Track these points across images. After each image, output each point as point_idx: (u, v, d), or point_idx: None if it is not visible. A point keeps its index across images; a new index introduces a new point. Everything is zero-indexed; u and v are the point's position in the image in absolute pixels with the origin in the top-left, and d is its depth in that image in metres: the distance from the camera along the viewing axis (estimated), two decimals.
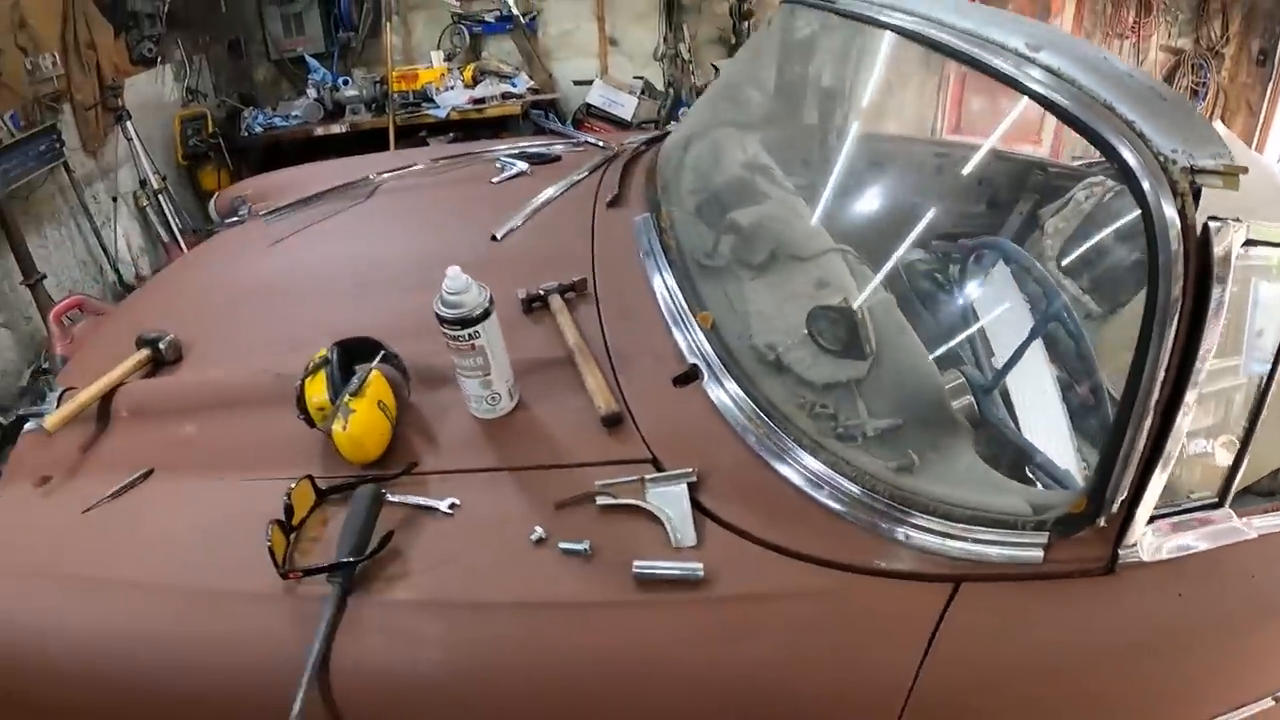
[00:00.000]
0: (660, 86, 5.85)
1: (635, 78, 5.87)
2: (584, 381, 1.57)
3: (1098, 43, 5.88)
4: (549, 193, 2.49)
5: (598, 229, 2.22)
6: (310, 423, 1.50)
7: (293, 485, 1.34)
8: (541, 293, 1.87)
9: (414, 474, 1.44)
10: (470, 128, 5.28)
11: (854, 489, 1.30)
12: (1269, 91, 5.93)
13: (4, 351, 4.41)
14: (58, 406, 1.77)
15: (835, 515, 1.29)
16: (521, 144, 3.10)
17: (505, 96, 5.28)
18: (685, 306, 1.74)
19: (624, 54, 5.97)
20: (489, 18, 5.65)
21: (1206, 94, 6.01)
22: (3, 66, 4.24)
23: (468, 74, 5.41)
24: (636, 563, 1.20)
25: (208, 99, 5.70)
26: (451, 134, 5.39)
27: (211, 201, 3.17)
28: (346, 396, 1.44)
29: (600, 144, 2.97)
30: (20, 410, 2.88)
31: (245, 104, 5.56)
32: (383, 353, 1.59)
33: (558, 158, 2.89)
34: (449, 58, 5.60)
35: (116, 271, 4.98)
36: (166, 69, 5.47)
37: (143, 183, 5.11)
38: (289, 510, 1.32)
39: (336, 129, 5.22)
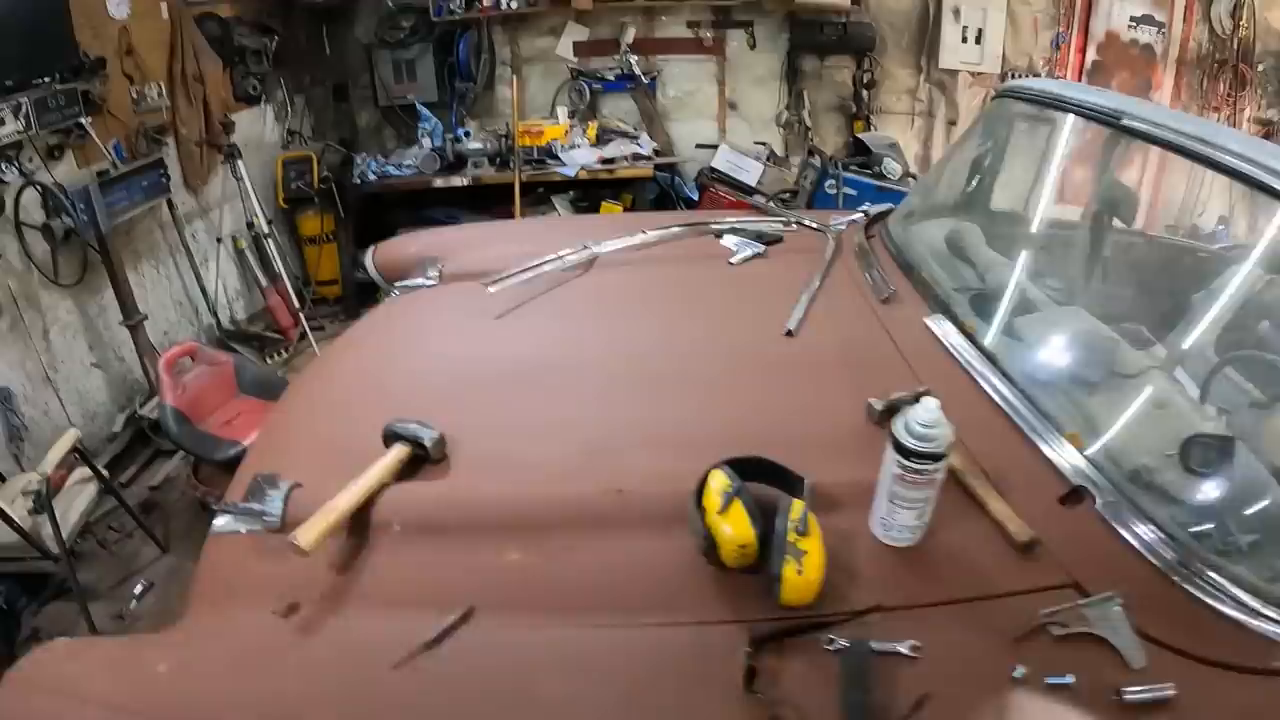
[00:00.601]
0: (780, 152, 5.69)
1: (756, 143, 5.71)
2: (984, 505, 1.44)
3: (1187, 107, 6.21)
4: (811, 282, 2.29)
5: (892, 329, 2.03)
6: (718, 562, 1.28)
7: (747, 647, 1.15)
8: (895, 402, 1.65)
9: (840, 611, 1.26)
10: (594, 188, 5.10)
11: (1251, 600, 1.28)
12: None
13: (95, 394, 4.12)
14: (284, 507, 1.50)
15: (1244, 627, 1.26)
16: (730, 220, 2.89)
17: (635, 158, 5.09)
18: (1042, 422, 1.64)
19: (742, 118, 5.83)
20: (609, 75, 5.50)
21: None
22: (108, 93, 4.02)
23: (591, 132, 5.23)
24: (1126, 690, 1.15)
25: (306, 142, 5.51)
26: (571, 192, 5.19)
27: (368, 257, 2.99)
28: (793, 535, 1.24)
29: (813, 225, 2.79)
30: (213, 504, 2.62)
31: (345, 149, 5.35)
32: (804, 481, 1.37)
33: (780, 238, 2.71)
34: (577, 115, 5.43)
35: (215, 315, 4.69)
36: (268, 108, 5.28)
37: (249, 224, 4.85)
38: (750, 674, 1.11)
39: (458, 181, 5.01)
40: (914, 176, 4.98)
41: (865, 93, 5.78)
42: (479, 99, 5.50)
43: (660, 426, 1.70)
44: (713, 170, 5.40)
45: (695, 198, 5.40)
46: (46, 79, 3.63)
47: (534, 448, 1.66)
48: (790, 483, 1.38)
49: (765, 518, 1.26)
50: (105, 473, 3.36)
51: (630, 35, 5.41)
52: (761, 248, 2.59)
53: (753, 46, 5.60)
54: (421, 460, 1.61)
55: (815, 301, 2.19)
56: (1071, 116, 2.25)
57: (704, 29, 5.53)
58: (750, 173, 5.43)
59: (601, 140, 5.25)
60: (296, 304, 4.91)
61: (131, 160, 4.17)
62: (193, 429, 3.40)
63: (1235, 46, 6.19)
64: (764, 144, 5.71)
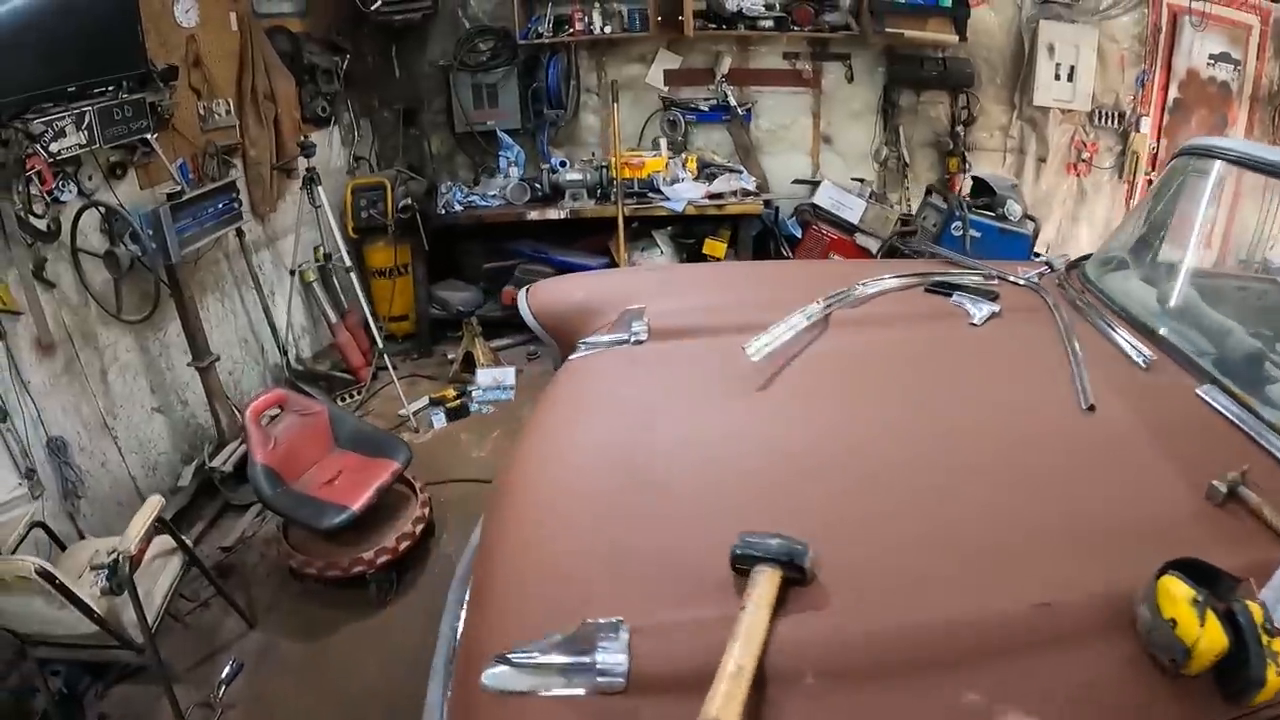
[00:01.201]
0: (876, 188, 5.42)
1: (854, 179, 5.45)
2: None
3: (1265, 144, 6.12)
4: (1068, 348, 2.06)
5: (1168, 401, 1.90)
6: (1180, 672, 1.18)
7: None
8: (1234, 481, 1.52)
9: None
10: (695, 223, 4.75)
11: None
12: None
13: (157, 442, 3.60)
14: (629, 659, 1.16)
15: None
16: (940, 274, 2.62)
17: (744, 194, 4.77)
18: None
19: (836, 152, 5.58)
20: (703, 106, 5.21)
21: None
22: (174, 106, 3.58)
23: (692, 164, 4.90)
24: None
25: (373, 168, 5.09)
26: (670, 228, 4.83)
27: (523, 302, 2.60)
28: (1265, 638, 1.15)
29: (1014, 279, 2.58)
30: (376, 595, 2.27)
31: (418, 175, 4.94)
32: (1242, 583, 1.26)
33: (995, 294, 2.45)
34: (668, 146, 5.11)
35: (284, 354, 4.18)
36: (335, 131, 4.86)
37: (328, 256, 4.38)
38: None
39: (554, 214, 4.63)
40: (1032, 218, 4.76)
41: (962, 129, 5.60)
42: (562, 128, 5.15)
43: (1013, 522, 1.49)
44: (815, 207, 5.11)
45: (799, 235, 5.09)
46: (111, 87, 3.19)
47: (900, 558, 1.39)
48: (1222, 584, 1.26)
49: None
50: (190, 544, 2.82)
51: (726, 65, 5.15)
52: (996, 306, 2.32)
53: (850, 80, 5.38)
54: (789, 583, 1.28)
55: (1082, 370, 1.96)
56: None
57: (801, 61, 5.30)
58: (853, 210, 5.15)
59: (702, 174, 4.92)
60: (370, 341, 4.45)
61: (198, 183, 3.71)
62: (289, 490, 2.96)
63: None
64: (861, 180, 5.46)
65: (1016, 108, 5.79)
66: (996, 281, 2.57)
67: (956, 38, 5.16)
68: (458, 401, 4.19)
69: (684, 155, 5.00)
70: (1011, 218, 4.66)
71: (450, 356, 4.80)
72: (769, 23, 4.94)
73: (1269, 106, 6.50)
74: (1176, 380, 1.95)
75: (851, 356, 2.08)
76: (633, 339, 2.15)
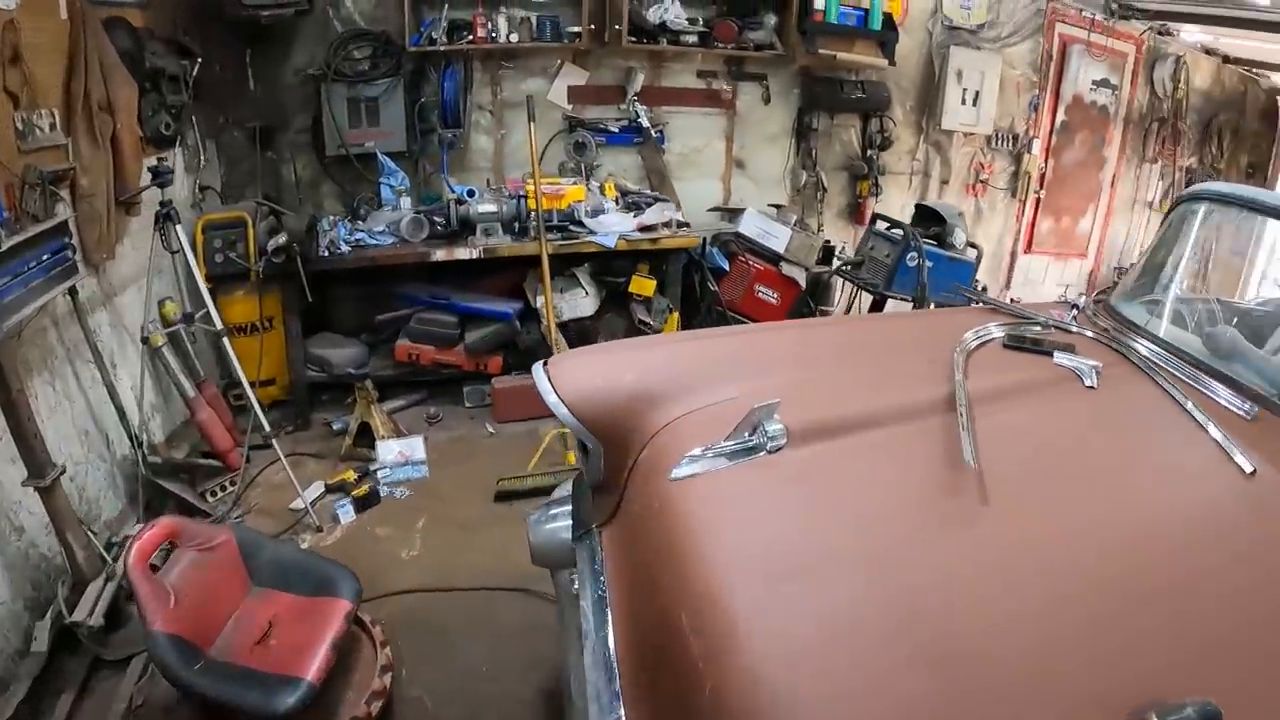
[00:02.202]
0: (793, 214, 5.44)
1: (770, 205, 5.44)
2: None
3: (1130, 159, 7.24)
4: (1183, 406, 2.07)
5: None
6: None
7: None
8: None
9: None
10: (616, 259, 4.52)
11: None
12: None
13: None
14: None
15: None
16: (1000, 325, 2.56)
17: (678, 225, 4.61)
18: None
19: (749, 177, 5.53)
20: (613, 127, 5.00)
21: None
22: None
23: (610, 191, 4.67)
24: None
25: (222, 199, 4.49)
26: (589, 264, 4.58)
27: (545, 386, 2.05)
28: None
29: (1061, 324, 2.61)
30: None
31: (274, 207, 4.37)
32: None
33: (1074, 346, 2.42)
34: (575, 170, 4.85)
35: (137, 445, 3.56)
36: (179, 154, 4.24)
37: (188, 316, 3.77)
38: None
39: (466, 253, 4.21)
40: (974, 245, 4.93)
41: (875, 153, 5.75)
42: (450, 149, 4.76)
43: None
44: (739, 236, 5.04)
45: (725, 267, 4.99)
46: None
47: None
48: None
49: None
50: None
51: (638, 82, 4.96)
52: (1099, 364, 2.24)
53: (767, 101, 5.36)
54: None
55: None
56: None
57: (718, 80, 5.22)
58: (779, 239, 5.12)
59: (623, 202, 4.72)
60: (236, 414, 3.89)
61: (17, 225, 3.03)
62: (211, 664, 2.39)
63: (1172, 106, 7.07)
64: (777, 206, 5.46)
65: (924, 131, 6.02)
66: (1051, 330, 2.55)
67: (885, 61, 5.27)
68: (364, 487, 3.71)
69: (601, 182, 4.77)
70: (958, 245, 4.81)
71: (334, 426, 4.28)
72: (692, 37, 4.79)
73: (1139, 127, 7.22)
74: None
75: (1027, 445, 1.91)
76: (770, 445, 1.77)
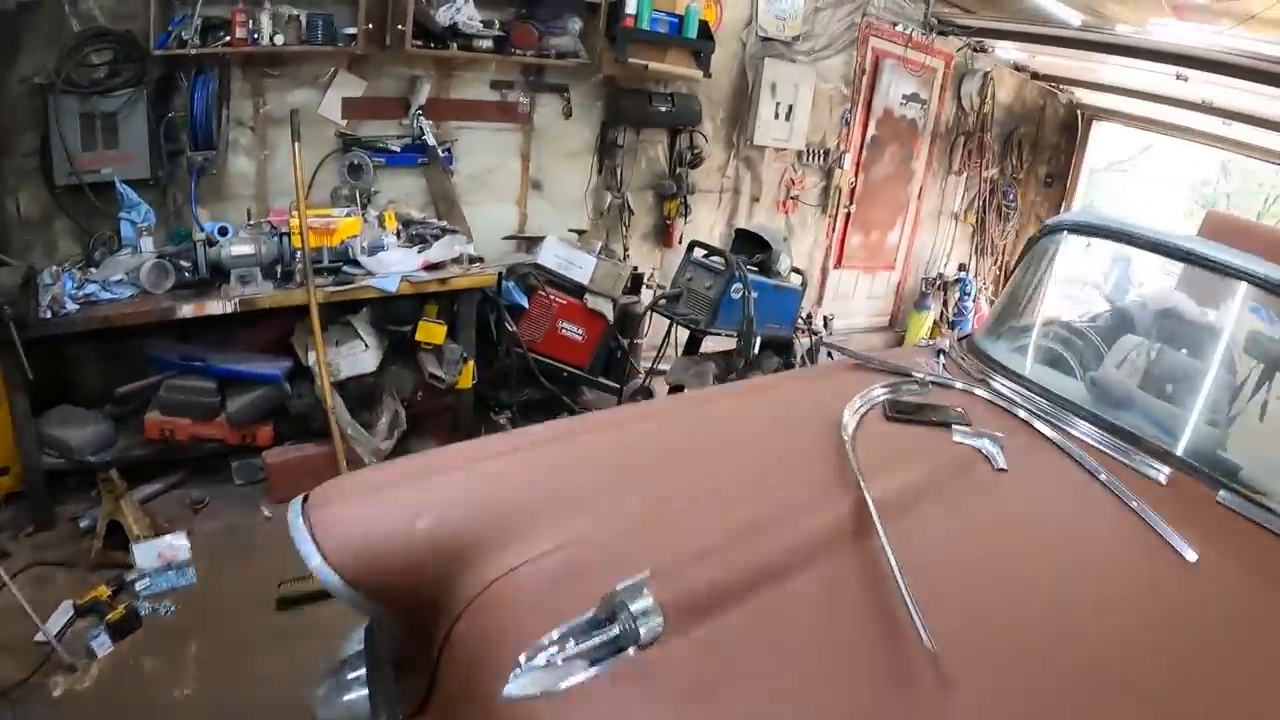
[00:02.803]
0: (597, 239, 5.27)
1: (570, 230, 5.24)
2: None
3: (937, 172, 7.69)
4: (1096, 479, 2.17)
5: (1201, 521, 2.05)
6: None
7: None
8: None
9: None
10: (402, 301, 4.16)
11: None
12: (1061, 209, 8.43)
13: None
14: None
15: None
16: (879, 382, 2.59)
17: (470, 260, 4.31)
18: None
19: (547, 199, 5.28)
20: (394, 146, 4.61)
21: (1015, 211, 8.43)
22: None
23: (391, 222, 4.30)
24: None
25: None
26: (367, 309, 4.20)
27: (307, 540, 1.61)
28: None
29: (948, 381, 2.71)
30: None
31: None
32: None
33: (966, 418, 2.42)
34: (350, 197, 4.44)
35: None
36: None
37: None
38: None
39: (219, 307, 3.69)
40: (798, 271, 4.93)
41: (685, 171, 5.66)
42: (202, 175, 4.20)
43: None
44: (538, 268, 4.81)
45: (524, 303, 4.75)
46: None
47: None
48: None
49: None
50: None
51: (424, 94, 4.58)
52: (999, 435, 2.26)
53: (568, 115, 5.12)
54: None
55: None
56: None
57: (515, 91, 4.92)
58: (583, 269, 4.93)
59: (407, 234, 4.36)
60: None
61: None
62: None
63: (978, 120, 7.45)
64: (579, 231, 5.27)
65: (735, 147, 5.99)
66: (930, 388, 2.62)
67: (700, 73, 5.16)
68: (119, 607, 3.09)
69: (380, 211, 4.37)
70: (783, 272, 4.78)
71: (82, 523, 3.60)
72: (487, 42, 4.43)
73: (945, 141, 7.55)
74: (1198, 495, 2.13)
75: (966, 578, 1.73)
76: (641, 636, 1.35)
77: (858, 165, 6.86)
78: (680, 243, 5.81)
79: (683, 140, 5.60)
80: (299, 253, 3.79)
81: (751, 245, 4.79)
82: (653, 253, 5.91)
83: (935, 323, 7.96)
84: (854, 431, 2.20)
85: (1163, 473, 2.19)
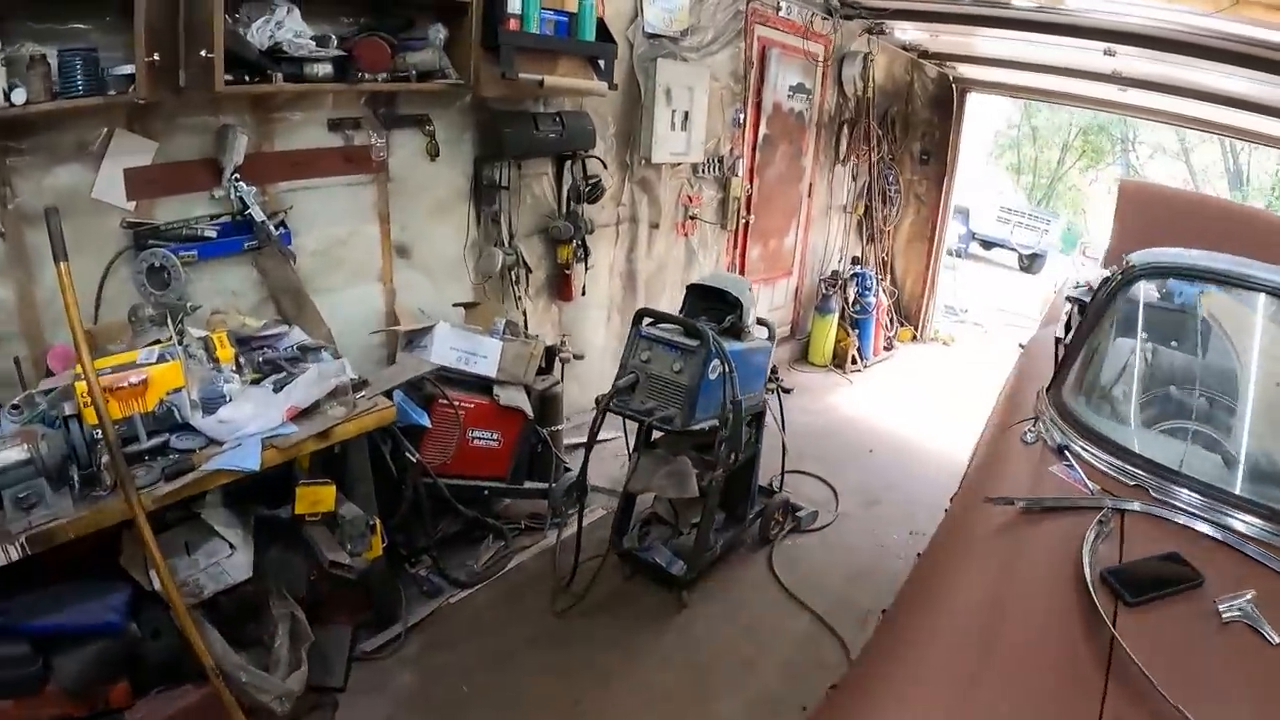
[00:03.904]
0: (500, 317, 4.15)
1: (458, 305, 4.09)
2: None
3: (824, 164, 7.17)
4: None
5: None
6: None
7: None
8: None
9: None
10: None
11: None
12: (945, 185, 8.24)
13: None
14: None
15: None
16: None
17: (355, 390, 3.08)
18: None
19: (418, 268, 4.08)
20: (209, 230, 3.27)
21: (899, 192, 8.13)
22: None
23: (225, 351, 2.98)
24: None
25: None
26: (219, 491, 2.90)
27: None
28: None
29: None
30: None
31: None
32: None
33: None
34: (137, 323, 3.07)
35: None
36: None
37: None
38: None
39: None
40: (764, 322, 4.05)
41: (582, 206, 4.60)
42: None
43: None
44: (437, 370, 3.65)
45: (426, 421, 3.58)
46: None
47: None
48: None
49: None
50: None
51: (240, 149, 3.28)
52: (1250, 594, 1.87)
53: (434, 155, 3.94)
54: None
55: None
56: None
57: (363, 131, 3.69)
58: (488, 359, 3.83)
59: (257, 365, 3.07)
60: None
61: None
62: None
63: (861, 105, 6.89)
64: (465, 305, 4.14)
65: (629, 168, 5.01)
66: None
67: (604, 85, 4.12)
68: None
69: (206, 333, 3.05)
70: (750, 328, 3.86)
71: None
72: (324, 67, 3.19)
73: (831, 129, 6.92)
74: None
75: None
76: None
77: (752, 170, 6.07)
78: (582, 294, 4.81)
79: (575, 169, 4.54)
80: (99, 439, 2.47)
81: (707, 301, 3.85)
82: (548, 310, 4.84)
83: (845, 330, 7.38)
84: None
85: None
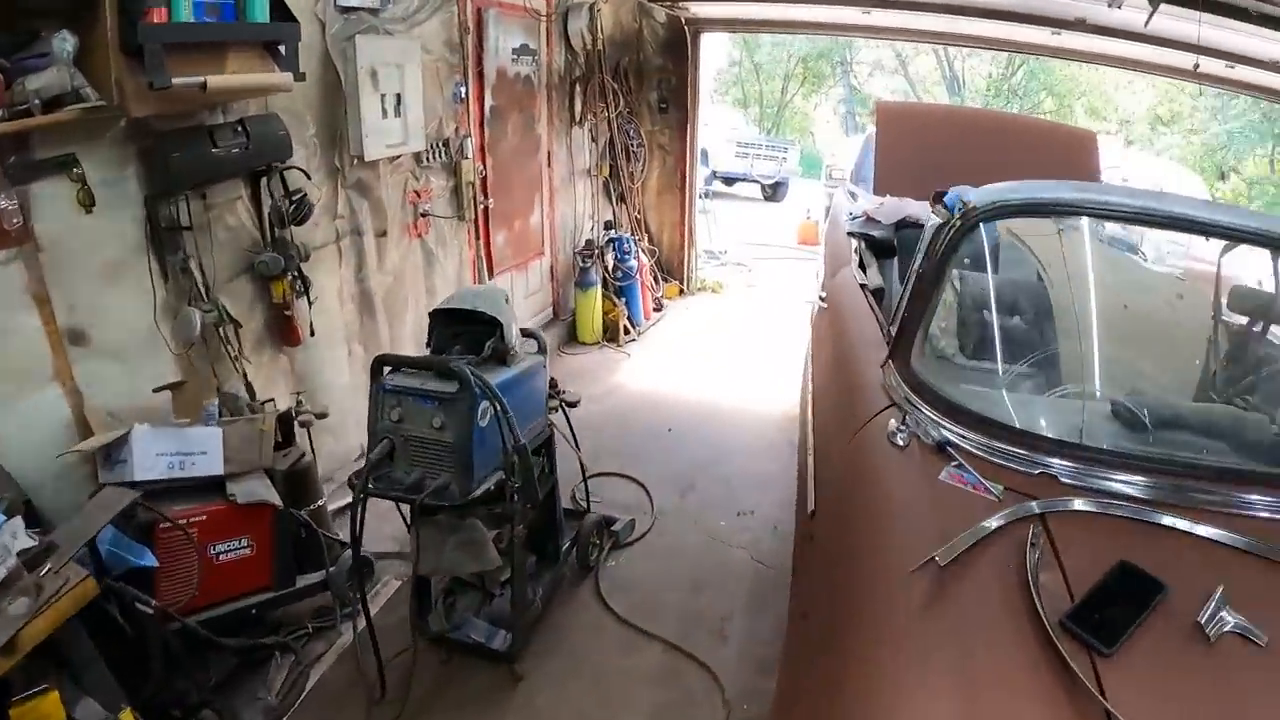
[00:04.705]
0: (213, 399, 3.40)
1: (160, 388, 3.29)
2: None
3: (560, 129, 6.82)
4: None
5: None
6: None
7: None
8: None
9: None
10: None
11: None
12: (688, 130, 8.19)
13: None
14: None
15: None
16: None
17: (43, 551, 2.30)
18: None
19: (100, 354, 3.19)
20: None
21: (642, 146, 7.94)
22: None
23: None
24: None
25: None
26: None
27: None
28: None
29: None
30: None
31: None
32: None
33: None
34: None
35: None
36: None
37: None
38: None
39: None
40: (531, 334, 3.54)
41: (291, 231, 3.86)
42: None
43: None
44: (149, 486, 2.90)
45: (151, 559, 2.83)
46: None
47: None
48: None
49: None
50: None
51: None
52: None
53: (89, 205, 3.07)
54: None
55: None
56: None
57: None
58: (208, 454, 3.11)
59: None
60: None
61: None
62: None
63: (593, 60, 6.57)
64: (171, 386, 3.35)
65: (340, 172, 4.30)
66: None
67: (288, 76, 3.40)
68: None
69: None
70: (514, 346, 3.33)
71: None
72: None
73: (563, 89, 6.47)
74: None
75: None
76: None
77: (483, 149, 5.50)
78: (311, 334, 4.13)
79: (272, 186, 3.79)
80: None
81: (458, 325, 3.31)
82: (275, 361, 4.08)
83: (610, 300, 7.03)
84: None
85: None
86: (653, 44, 7.73)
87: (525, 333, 3.52)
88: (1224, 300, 2.84)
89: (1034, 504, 1.98)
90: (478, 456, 2.97)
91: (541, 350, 3.60)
